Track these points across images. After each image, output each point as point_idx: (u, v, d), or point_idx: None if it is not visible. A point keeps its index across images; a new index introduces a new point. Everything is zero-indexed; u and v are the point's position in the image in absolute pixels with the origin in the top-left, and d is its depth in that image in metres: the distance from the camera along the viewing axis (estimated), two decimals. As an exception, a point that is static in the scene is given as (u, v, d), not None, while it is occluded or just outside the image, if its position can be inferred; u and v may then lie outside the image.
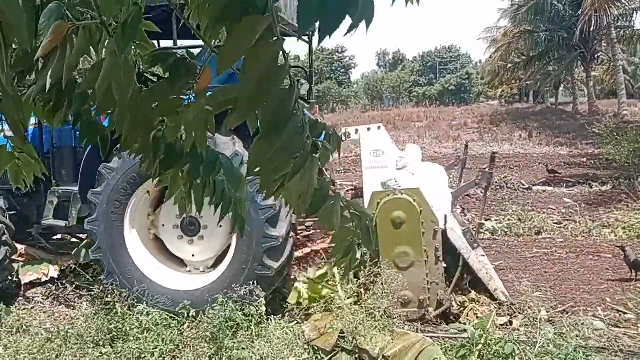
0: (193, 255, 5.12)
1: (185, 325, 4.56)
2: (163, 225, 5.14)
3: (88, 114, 1.54)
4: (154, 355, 4.19)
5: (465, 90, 54.46)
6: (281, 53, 0.96)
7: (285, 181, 1.16)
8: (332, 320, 4.40)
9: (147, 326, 4.47)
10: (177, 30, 4.71)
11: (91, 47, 1.25)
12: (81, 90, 1.40)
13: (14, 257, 5.75)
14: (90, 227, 4.96)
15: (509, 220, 8.21)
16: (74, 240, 6.67)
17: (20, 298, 5.67)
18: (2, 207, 5.58)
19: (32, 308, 5.24)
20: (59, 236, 6.69)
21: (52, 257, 6.20)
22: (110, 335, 4.39)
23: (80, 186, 5.21)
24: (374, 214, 4.65)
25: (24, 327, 4.79)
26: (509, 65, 34.88)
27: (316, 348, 4.17)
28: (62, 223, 5.45)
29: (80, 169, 5.15)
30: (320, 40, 0.88)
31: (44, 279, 5.95)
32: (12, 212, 5.76)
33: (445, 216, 4.78)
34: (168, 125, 1.41)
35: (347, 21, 0.87)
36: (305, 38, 5.97)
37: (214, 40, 1.28)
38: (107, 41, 1.21)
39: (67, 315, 4.98)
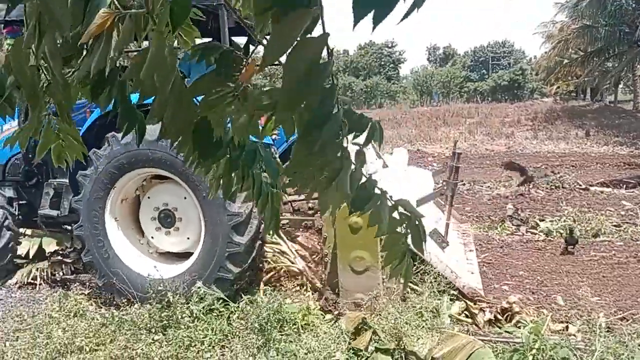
0: (188, 238, 5.27)
1: (235, 316, 4.61)
2: (152, 238, 5.38)
3: (127, 101, 1.54)
4: (203, 344, 4.26)
5: (518, 87, 52.94)
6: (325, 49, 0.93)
7: (318, 189, 1.14)
8: (368, 318, 4.36)
9: (197, 315, 4.55)
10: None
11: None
12: (124, 78, 1.40)
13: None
14: (76, 205, 5.25)
15: (564, 221, 7.90)
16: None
17: (77, 283, 5.87)
18: (11, 196, 6.23)
19: (88, 293, 5.42)
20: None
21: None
22: (162, 322, 4.49)
23: (70, 178, 5.54)
24: (334, 218, 4.68)
25: (81, 311, 4.95)
26: (566, 61, 33.70)
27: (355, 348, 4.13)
28: (55, 213, 5.81)
29: None
30: (374, 25, 0.83)
31: (67, 250, 6.40)
32: (22, 202, 6.33)
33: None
34: (214, 120, 1.40)
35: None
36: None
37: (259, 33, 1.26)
38: (152, 30, 1.20)
39: (121, 301, 5.12)
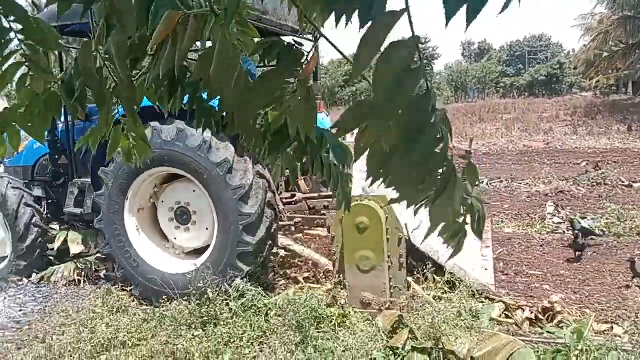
0: (207, 229, 5.40)
1: (273, 313, 4.64)
2: (175, 239, 5.58)
3: (200, 99, 1.59)
4: (242, 340, 4.31)
5: (556, 81, 51.59)
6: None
7: (425, 203, 1.09)
8: (405, 317, 4.34)
9: (236, 312, 4.61)
10: None
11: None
12: (193, 78, 1.44)
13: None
14: (99, 226, 5.51)
15: (607, 219, 7.68)
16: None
17: (119, 280, 6.01)
18: (40, 196, 6.56)
19: (130, 289, 5.54)
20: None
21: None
22: (202, 319, 4.56)
23: (92, 178, 5.83)
24: (341, 218, 4.74)
25: (123, 307, 5.08)
26: (606, 54, 32.65)
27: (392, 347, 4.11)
28: (79, 210, 6.05)
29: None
30: (468, 22, 0.81)
31: (91, 251, 6.61)
32: (50, 201, 6.66)
33: (406, 224, 4.86)
34: (272, 113, 1.43)
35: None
36: (309, 36, 5.93)
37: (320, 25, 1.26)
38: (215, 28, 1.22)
39: (162, 298, 5.22)
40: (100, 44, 1.33)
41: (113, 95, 1.50)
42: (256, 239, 4.99)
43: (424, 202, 1.11)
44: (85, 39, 1.39)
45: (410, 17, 0.87)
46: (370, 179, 1.25)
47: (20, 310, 5.60)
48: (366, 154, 1.18)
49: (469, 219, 1.35)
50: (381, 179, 1.26)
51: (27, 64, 1.40)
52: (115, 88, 1.48)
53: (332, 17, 0.95)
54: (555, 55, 58.31)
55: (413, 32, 0.89)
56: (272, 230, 5.32)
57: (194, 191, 5.30)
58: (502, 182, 11.59)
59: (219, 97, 1.38)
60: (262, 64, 5.36)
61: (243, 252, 4.98)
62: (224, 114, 1.54)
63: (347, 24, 0.93)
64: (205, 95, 1.53)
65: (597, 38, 31.42)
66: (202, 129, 1.61)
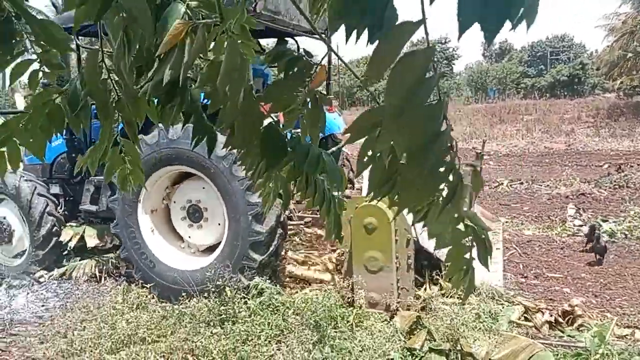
0: (219, 224, 5.42)
1: (291, 312, 4.66)
2: (190, 237, 5.63)
3: (198, 114, 1.56)
4: (260, 338, 4.33)
5: (579, 82, 50.78)
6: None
7: (429, 212, 1.09)
8: (422, 318, 4.33)
9: (254, 310, 4.64)
10: None
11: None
12: (197, 86, 1.41)
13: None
14: (115, 230, 5.61)
15: (629, 222, 7.56)
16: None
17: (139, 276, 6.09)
18: (57, 193, 6.67)
19: (150, 286, 5.61)
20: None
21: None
22: (221, 316, 4.60)
23: None
24: (350, 218, 4.72)
25: (143, 304, 5.14)
26: (630, 54, 32.08)
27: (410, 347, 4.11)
28: (94, 208, 6.15)
29: None
30: (488, 42, 0.81)
31: (107, 245, 6.69)
32: (67, 198, 6.78)
33: (414, 225, 4.74)
34: (288, 116, 1.43)
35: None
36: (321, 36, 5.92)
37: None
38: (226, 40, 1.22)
39: (180, 296, 5.27)
40: (122, 58, 1.29)
41: (115, 110, 1.49)
42: (266, 228, 5.03)
43: (428, 210, 1.11)
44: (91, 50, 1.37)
45: (426, 28, 0.85)
46: (372, 194, 1.24)
47: (43, 306, 5.71)
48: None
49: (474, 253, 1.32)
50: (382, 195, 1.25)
51: (38, 60, 1.40)
52: (118, 102, 1.47)
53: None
54: (578, 56, 57.40)
55: (428, 43, 0.87)
56: (282, 219, 5.35)
57: (203, 188, 5.36)
58: (522, 183, 11.47)
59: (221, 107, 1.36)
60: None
61: (255, 241, 5.01)
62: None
63: (357, 40, 0.92)
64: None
65: (621, 38, 30.91)
66: (196, 143, 1.57)
